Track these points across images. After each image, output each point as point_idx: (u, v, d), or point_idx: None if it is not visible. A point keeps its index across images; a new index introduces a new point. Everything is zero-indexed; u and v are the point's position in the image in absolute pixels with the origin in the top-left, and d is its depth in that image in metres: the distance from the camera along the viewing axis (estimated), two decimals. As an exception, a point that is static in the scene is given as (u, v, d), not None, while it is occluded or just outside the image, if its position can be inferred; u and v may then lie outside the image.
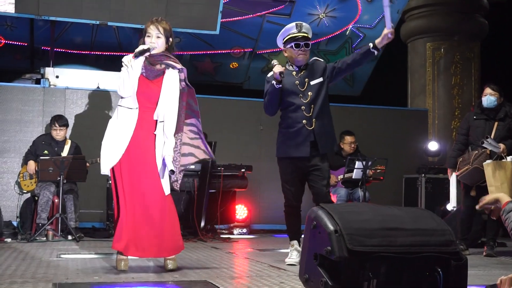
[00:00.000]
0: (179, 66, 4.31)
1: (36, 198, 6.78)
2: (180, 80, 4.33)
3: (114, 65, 9.73)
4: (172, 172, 4.18)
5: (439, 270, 2.66)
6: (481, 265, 5.16)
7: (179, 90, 4.31)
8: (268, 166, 8.20)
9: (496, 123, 6.08)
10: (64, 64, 9.01)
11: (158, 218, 4.19)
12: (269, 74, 4.85)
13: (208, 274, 4.16)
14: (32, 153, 6.98)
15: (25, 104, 7.85)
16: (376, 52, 4.70)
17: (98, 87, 8.19)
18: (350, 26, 10.68)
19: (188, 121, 4.38)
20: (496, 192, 5.67)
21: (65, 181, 6.68)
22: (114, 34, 9.74)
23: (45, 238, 6.54)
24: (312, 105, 4.76)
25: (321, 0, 10.20)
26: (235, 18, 10.24)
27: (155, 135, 4.25)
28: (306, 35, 4.82)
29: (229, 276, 4.12)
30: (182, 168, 4.34)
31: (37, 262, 4.66)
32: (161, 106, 4.24)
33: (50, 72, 8.17)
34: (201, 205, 7.12)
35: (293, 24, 4.86)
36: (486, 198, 2.86)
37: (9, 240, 6.40)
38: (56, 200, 6.73)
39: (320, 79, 4.82)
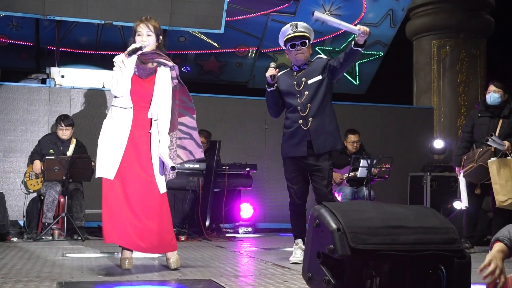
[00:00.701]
0: (170, 63, 4.32)
1: (42, 197, 6.81)
2: (172, 78, 4.33)
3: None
4: (173, 168, 4.20)
5: (442, 268, 2.65)
6: (487, 263, 5.14)
7: (171, 88, 4.31)
8: (273, 165, 8.21)
9: (500, 121, 6.06)
10: (70, 64, 9.03)
11: (152, 216, 4.18)
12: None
13: (212, 273, 4.16)
14: (37, 153, 7.00)
15: (31, 104, 7.88)
16: (360, 49, 4.62)
17: (103, 87, 8.21)
18: (355, 24, 10.65)
19: (179, 119, 4.40)
20: (500, 190, 5.65)
21: (70, 181, 6.71)
22: (119, 33, 9.76)
23: (51, 237, 6.56)
24: (309, 105, 4.75)
25: (326, -2, 10.20)
26: (240, 17, 10.24)
27: (151, 133, 4.26)
28: (302, 34, 4.80)
29: (233, 274, 4.12)
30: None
31: (43, 261, 4.68)
32: (155, 105, 4.24)
33: (55, 71, 8.19)
34: (206, 204, 7.13)
35: (288, 25, 4.86)
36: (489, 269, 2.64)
37: (15, 239, 6.43)
38: (62, 200, 6.75)
39: (319, 77, 4.80)
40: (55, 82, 8.10)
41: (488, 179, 5.79)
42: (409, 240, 2.68)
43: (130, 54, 4.16)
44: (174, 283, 3.75)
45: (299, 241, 4.88)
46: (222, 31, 8.99)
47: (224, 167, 7.35)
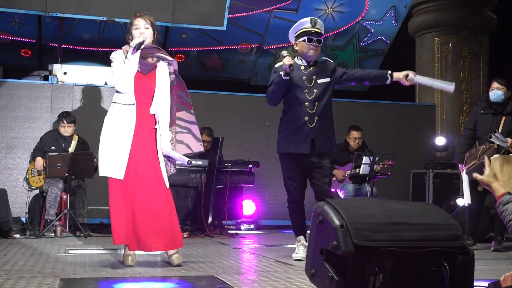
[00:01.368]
0: (169, 58, 4.35)
1: (45, 194, 6.81)
2: (170, 73, 4.34)
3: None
4: (189, 162, 4.26)
5: (446, 264, 2.65)
6: (489, 259, 5.15)
7: (169, 83, 4.33)
8: (276, 161, 8.12)
9: (503, 118, 6.06)
10: (72, 61, 9.03)
11: (162, 214, 4.21)
12: (277, 65, 4.82)
13: (214, 269, 4.17)
14: (39, 150, 7.00)
15: (33, 101, 7.88)
16: (389, 82, 4.81)
17: (105, 83, 8.21)
18: (357, 21, 10.65)
19: (177, 114, 4.41)
20: (504, 187, 5.65)
21: (73, 177, 6.71)
22: (121, 30, 9.76)
23: (53, 234, 6.57)
24: (316, 103, 4.74)
25: (329, -5, 10.19)
26: (242, 14, 10.24)
27: (156, 129, 4.27)
28: (319, 31, 4.82)
29: (235, 271, 4.13)
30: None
31: (45, 258, 4.69)
32: (157, 100, 4.26)
33: (58, 68, 8.18)
34: (208, 201, 7.13)
35: (308, 18, 4.86)
36: (484, 177, 2.84)
37: (18, 236, 6.43)
38: (64, 196, 6.75)
39: (328, 79, 4.81)
40: (57, 79, 8.10)
41: (492, 176, 5.78)
42: (412, 237, 2.69)
43: (136, 48, 4.16)
44: (177, 280, 3.75)
45: (301, 237, 4.88)
46: (224, 28, 8.99)
47: (226, 164, 7.35)
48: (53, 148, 6.94)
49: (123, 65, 4.20)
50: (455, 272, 2.67)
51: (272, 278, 3.79)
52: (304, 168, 4.82)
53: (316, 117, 4.73)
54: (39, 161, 6.91)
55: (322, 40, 4.86)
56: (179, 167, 5.04)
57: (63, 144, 7.01)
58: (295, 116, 4.78)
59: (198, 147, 4.47)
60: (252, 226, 8.06)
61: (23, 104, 7.85)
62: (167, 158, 4.34)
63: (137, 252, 4.35)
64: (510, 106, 6.08)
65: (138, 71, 4.23)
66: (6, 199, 6.57)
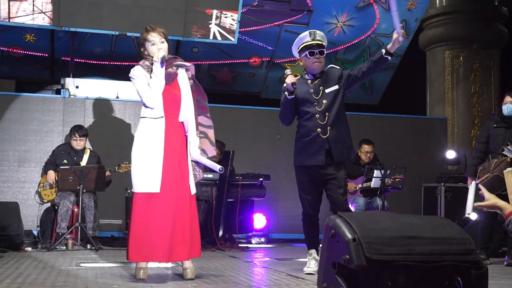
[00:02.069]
0: (187, 64, 4.41)
1: (56, 207, 6.84)
2: (189, 78, 4.40)
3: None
4: (221, 170, 4.30)
5: (459, 279, 2.64)
6: (502, 274, 5.10)
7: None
8: (286, 175, 8.19)
9: (516, 131, 6.03)
10: (84, 75, 9.09)
11: (185, 221, 4.22)
12: (284, 84, 4.85)
13: (225, 283, 4.15)
14: (51, 163, 7.04)
15: (46, 114, 7.94)
16: (389, 58, 4.64)
17: (117, 97, 8.26)
18: (368, 35, 10.66)
19: (198, 119, 4.46)
20: None
21: (84, 191, 6.74)
22: (133, 44, 9.82)
23: (64, 247, 6.58)
24: (327, 113, 4.74)
25: (339, 9, 10.19)
26: (253, 28, 10.28)
27: (187, 136, 4.33)
28: (320, 42, 4.81)
29: (247, 285, 4.11)
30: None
31: (57, 271, 4.69)
32: (183, 107, 4.32)
33: (70, 82, 8.25)
34: (219, 214, 7.13)
35: (307, 32, 4.86)
36: (487, 202, 2.82)
37: (29, 249, 6.45)
38: (75, 210, 6.77)
39: (336, 87, 4.80)
40: (70, 92, 8.16)
41: (504, 190, 5.73)
42: (425, 251, 2.67)
43: (163, 62, 4.20)
44: (188, 293, 3.74)
45: (313, 251, 4.86)
46: (235, 42, 9.03)
47: (237, 177, 7.35)
48: (65, 161, 6.97)
49: (150, 80, 4.23)
50: (468, 287, 2.65)
51: (284, 292, 3.77)
52: (318, 180, 4.80)
53: (328, 127, 4.73)
54: (51, 174, 6.94)
55: (325, 50, 4.85)
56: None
57: (75, 158, 7.04)
58: (308, 129, 4.78)
59: (212, 152, 4.48)
60: (263, 239, 8.04)
61: (36, 118, 7.90)
62: (196, 163, 4.36)
63: (149, 265, 4.35)
64: (523, 120, 6.06)
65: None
66: (18, 212, 6.60)
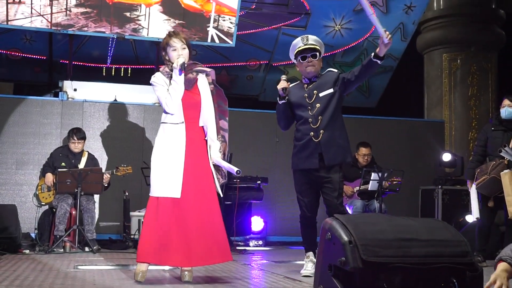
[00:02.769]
0: (207, 69, 4.45)
1: (54, 210, 6.84)
2: (209, 83, 4.42)
3: (131, 78, 9.83)
4: (238, 172, 4.30)
5: (454, 281, 2.65)
6: (499, 277, 5.11)
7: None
8: (284, 177, 8.20)
9: (514, 134, 6.05)
10: (82, 78, 9.10)
11: (207, 226, 4.24)
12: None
13: (223, 285, 4.16)
14: (49, 166, 7.05)
15: (44, 117, 7.94)
16: (379, 62, 4.60)
17: (115, 100, 8.27)
18: (366, 38, 10.68)
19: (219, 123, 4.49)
20: None
21: (82, 193, 6.75)
22: (131, 47, 9.84)
23: (62, 250, 6.58)
24: (320, 117, 4.75)
25: (337, 12, 10.22)
26: (251, 31, 10.30)
27: (206, 140, 4.34)
28: (312, 46, 4.83)
29: (244, 287, 4.12)
30: None
31: (55, 273, 4.70)
32: (203, 112, 4.34)
33: (68, 85, 8.26)
34: (217, 216, 7.12)
35: (299, 38, 4.89)
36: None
37: (27, 251, 6.45)
38: (73, 212, 6.78)
39: (330, 90, 4.81)
40: (68, 95, 8.17)
41: (501, 192, 5.77)
42: (421, 253, 2.69)
43: (182, 69, 4.23)
44: (186, 296, 3.74)
45: (310, 254, 4.87)
46: (233, 45, 9.06)
47: (235, 180, 7.36)
48: (63, 164, 6.98)
49: (170, 87, 4.26)
50: (464, 289, 2.67)
51: (281, 294, 3.78)
52: (315, 183, 4.83)
53: (321, 131, 4.74)
54: (49, 177, 6.95)
55: (319, 53, 4.85)
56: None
57: (73, 160, 7.05)
58: (302, 133, 4.83)
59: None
60: (260, 242, 8.04)
61: (34, 120, 7.91)
62: (217, 167, 4.38)
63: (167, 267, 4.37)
64: (521, 122, 6.08)
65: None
66: (16, 214, 6.61)
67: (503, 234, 6.37)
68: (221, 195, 4.36)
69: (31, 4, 8.17)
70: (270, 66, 10.94)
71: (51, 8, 8.22)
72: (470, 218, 7.60)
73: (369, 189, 7.12)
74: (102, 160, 7.75)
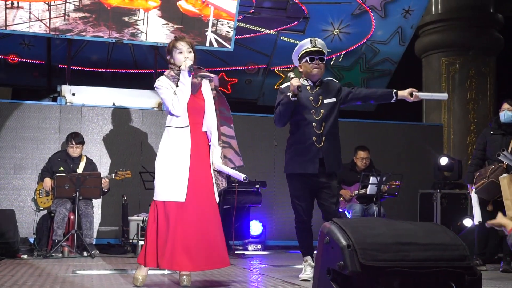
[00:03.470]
0: (211, 75, 4.46)
1: (52, 214, 6.83)
2: (212, 89, 4.42)
3: (130, 82, 9.82)
4: (245, 179, 4.30)
5: (453, 285, 2.65)
6: (498, 280, 5.11)
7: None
8: (283, 182, 8.11)
9: (513, 138, 6.06)
10: (80, 82, 9.10)
11: (209, 231, 4.23)
12: (283, 85, 4.84)
13: (222, 289, 4.16)
14: (48, 170, 7.04)
15: (42, 122, 7.94)
16: (394, 100, 4.85)
17: (114, 104, 8.26)
18: (364, 42, 10.70)
19: (220, 129, 4.48)
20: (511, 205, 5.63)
21: (80, 198, 6.74)
22: (129, 52, 9.84)
23: (61, 255, 6.58)
24: (324, 123, 4.76)
25: (335, 16, 10.23)
26: (249, 35, 10.31)
27: (209, 145, 4.36)
28: (320, 49, 4.85)
29: (243, 291, 4.11)
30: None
31: (53, 278, 4.69)
32: (207, 117, 4.35)
33: (66, 89, 8.25)
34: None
35: (308, 39, 4.91)
36: (494, 221, 2.91)
37: (25, 256, 6.44)
38: (72, 217, 6.77)
39: (334, 99, 4.84)
40: (66, 100, 8.17)
41: (500, 196, 5.77)
42: (420, 257, 2.68)
43: (191, 71, 4.23)
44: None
45: (308, 258, 4.87)
46: (232, 49, 9.06)
47: (233, 184, 7.35)
48: (61, 168, 6.97)
49: (177, 89, 4.26)
50: (462, 293, 2.66)
51: (279, 298, 3.77)
52: (312, 188, 4.82)
53: (323, 137, 4.74)
54: (47, 181, 6.94)
55: (325, 58, 4.89)
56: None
57: (71, 165, 7.04)
58: (303, 136, 4.79)
59: (239, 162, 4.50)
60: (259, 246, 8.03)
61: (32, 125, 7.90)
62: (218, 172, 4.38)
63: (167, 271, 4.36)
64: (519, 126, 6.09)
65: None
66: (14, 219, 6.60)
67: (502, 238, 6.36)
68: (217, 201, 4.34)
69: (30, 9, 8.18)
70: (268, 70, 10.94)
71: (50, 13, 8.24)
72: (468, 222, 7.60)
73: (367, 193, 7.12)
74: (101, 165, 7.74)
